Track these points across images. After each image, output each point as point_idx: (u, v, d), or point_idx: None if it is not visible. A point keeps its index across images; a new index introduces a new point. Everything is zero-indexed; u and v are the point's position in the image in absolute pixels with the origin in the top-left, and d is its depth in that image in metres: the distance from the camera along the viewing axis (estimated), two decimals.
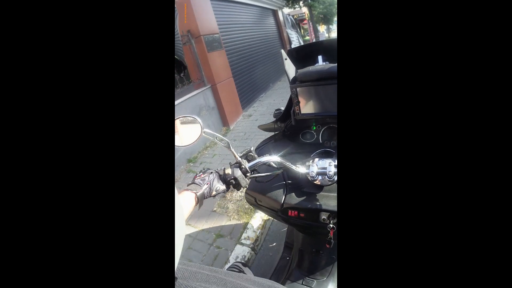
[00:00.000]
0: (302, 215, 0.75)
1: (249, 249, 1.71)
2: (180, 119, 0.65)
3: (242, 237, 1.81)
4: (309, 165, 0.72)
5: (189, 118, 0.65)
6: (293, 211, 0.76)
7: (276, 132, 1.04)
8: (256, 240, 1.78)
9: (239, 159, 0.68)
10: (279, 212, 0.80)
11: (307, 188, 0.77)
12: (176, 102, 3.16)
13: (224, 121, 3.97)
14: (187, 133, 0.65)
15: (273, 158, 0.69)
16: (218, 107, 3.88)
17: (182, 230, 0.28)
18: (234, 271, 1.07)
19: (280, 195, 0.79)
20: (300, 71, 0.87)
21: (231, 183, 0.66)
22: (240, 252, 1.70)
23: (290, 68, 0.90)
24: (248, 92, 4.96)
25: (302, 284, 0.89)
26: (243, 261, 1.60)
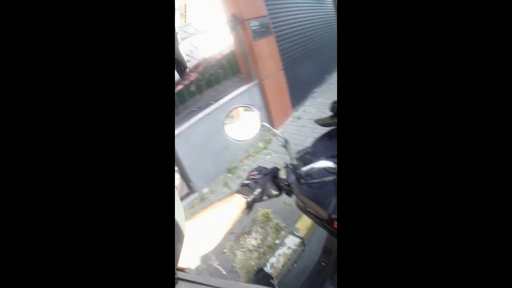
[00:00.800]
0: None
1: None
2: (237, 109, 0.61)
3: None
4: None
5: (246, 108, 0.61)
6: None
7: (332, 128, 0.92)
8: None
9: (295, 162, 0.63)
10: (325, 222, 0.74)
11: None
12: (223, 101, 2.69)
13: (271, 123, 3.30)
14: (243, 126, 0.61)
15: (328, 164, 0.62)
16: (265, 108, 3.21)
17: (182, 230, 0.29)
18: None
19: (328, 204, 0.71)
20: None
21: (284, 189, 0.61)
22: None
23: None
24: (301, 87, 4.13)
25: None
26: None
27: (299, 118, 3.57)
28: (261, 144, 3.05)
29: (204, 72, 2.71)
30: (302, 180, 0.62)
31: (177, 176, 2.65)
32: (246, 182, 0.62)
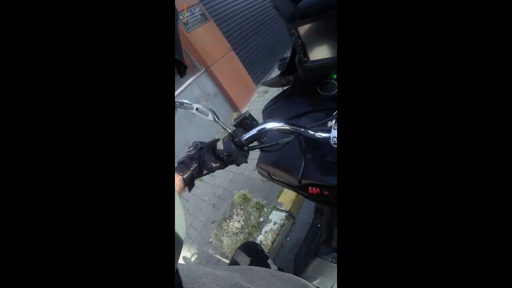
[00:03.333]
0: (326, 192, 0.60)
1: None
2: None
3: None
4: (331, 126, 0.54)
5: None
6: (314, 188, 0.62)
7: (284, 88, 0.90)
8: None
9: (229, 130, 0.58)
10: (297, 189, 0.68)
11: (330, 157, 0.62)
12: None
13: (234, 106, 3.36)
14: None
15: (276, 125, 0.55)
16: (222, 92, 3.27)
17: (182, 228, 0.28)
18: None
19: (297, 168, 0.65)
20: (300, 3, 0.63)
21: (224, 160, 0.58)
22: None
23: (283, 3, 0.65)
24: (261, 60, 4.11)
25: (332, 261, 0.86)
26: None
27: (265, 92, 3.57)
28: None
29: None
30: (245, 148, 0.58)
31: None
32: (181, 159, 0.60)
